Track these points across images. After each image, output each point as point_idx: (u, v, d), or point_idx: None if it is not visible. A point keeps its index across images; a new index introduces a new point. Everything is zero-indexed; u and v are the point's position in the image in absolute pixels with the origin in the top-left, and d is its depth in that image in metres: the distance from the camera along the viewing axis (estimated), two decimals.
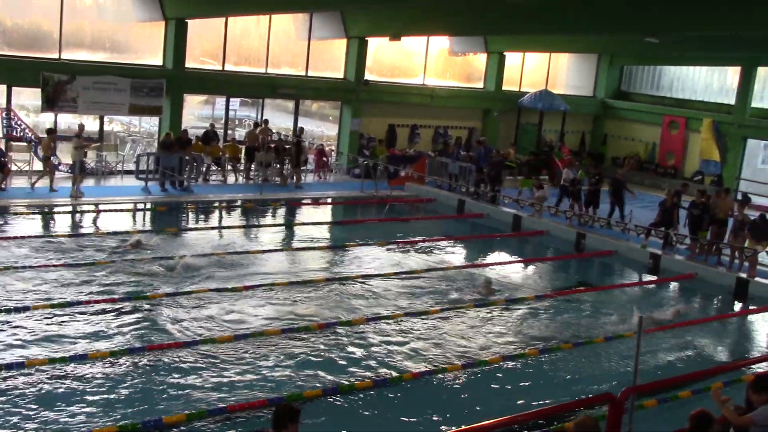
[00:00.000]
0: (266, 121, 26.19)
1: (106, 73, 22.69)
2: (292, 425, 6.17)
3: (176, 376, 10.36)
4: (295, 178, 24.78)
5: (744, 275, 17.84)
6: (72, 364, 10.32)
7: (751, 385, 7.54)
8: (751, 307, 16.52)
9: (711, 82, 32.82)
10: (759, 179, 30.45)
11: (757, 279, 17.59)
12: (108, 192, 21.16)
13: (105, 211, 19.20)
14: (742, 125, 30.42)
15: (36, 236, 16.33)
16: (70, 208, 19.19)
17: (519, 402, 10.54)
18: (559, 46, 30.93)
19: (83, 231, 17.50)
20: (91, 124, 23.79)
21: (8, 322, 11.53)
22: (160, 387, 10.02)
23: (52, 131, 20.99)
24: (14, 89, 22.21)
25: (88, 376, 10.08)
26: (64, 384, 9.82)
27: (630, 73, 35.61)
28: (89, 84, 22.35)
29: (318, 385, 10.43)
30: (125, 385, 9.97)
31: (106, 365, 10.42)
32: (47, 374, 9.98)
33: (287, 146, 25.35)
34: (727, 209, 19.96)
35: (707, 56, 30.16)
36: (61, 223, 18.32)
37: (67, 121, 23.47)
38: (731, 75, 31.90)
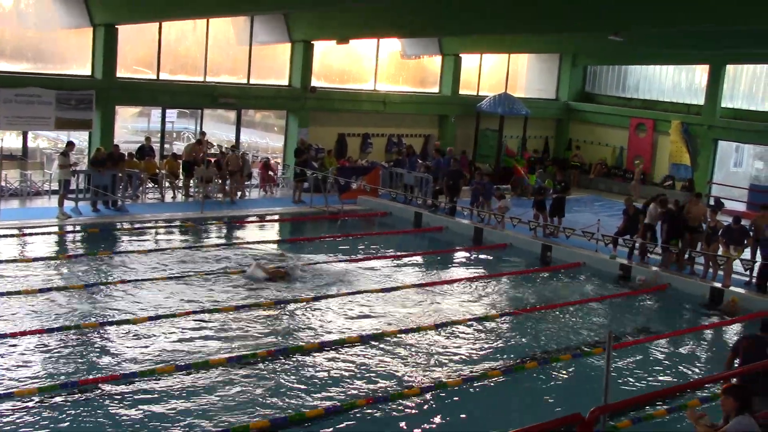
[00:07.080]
0: (203, 134, 26.16)
1: (28, 85, 22.43)
2: None
3: (118, 408, 10.33)
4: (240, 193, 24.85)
5: (718, 284, 18.26)
6: None
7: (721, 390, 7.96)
8: (726, 318, 16.89)
9: (679, 82, 33.54)
10: (732, 183, 31.10)
11: (732, 288, 18.00)
12: (32, 214, 20.96)
13: (29, 235, 19.07)
14: (712, 126, 31.10)
15: None
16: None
17: (481, 427, 10.66)
18: (519, 47, 31.30)
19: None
20: (13, 140, 23.52)
21: None
22: (100, 418, 10.00)
23: None
24: None
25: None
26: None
27: (594, 73, 36.22)
28: (10, 96, 22.07)
29: (271, 413, 10.46)
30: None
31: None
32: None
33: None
34: (700, 215, 20.30)
35: (674, 55, 30.73)
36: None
37: None
38: (699, 74, 32.61)
